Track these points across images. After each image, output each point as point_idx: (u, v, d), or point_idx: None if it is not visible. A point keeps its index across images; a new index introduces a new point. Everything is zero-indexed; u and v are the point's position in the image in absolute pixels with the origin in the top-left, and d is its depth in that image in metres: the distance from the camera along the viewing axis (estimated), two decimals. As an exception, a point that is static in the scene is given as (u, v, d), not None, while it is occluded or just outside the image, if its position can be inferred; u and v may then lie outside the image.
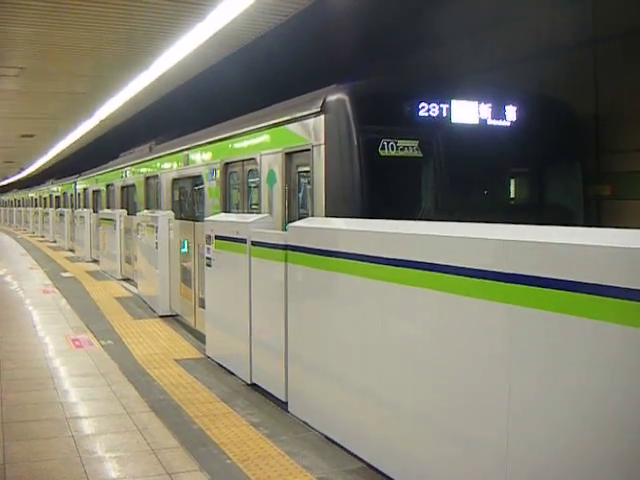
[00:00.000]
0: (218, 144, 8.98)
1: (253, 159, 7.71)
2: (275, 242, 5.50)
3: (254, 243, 5.97)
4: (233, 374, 6.47)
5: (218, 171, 8.81)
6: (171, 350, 7.59)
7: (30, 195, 40.31)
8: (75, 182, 24.46)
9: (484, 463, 3.26)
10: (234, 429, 5.00)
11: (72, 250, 21.79)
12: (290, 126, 6.80)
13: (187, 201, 11.11)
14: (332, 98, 6.10)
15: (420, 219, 5.53)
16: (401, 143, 5.91)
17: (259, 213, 7.31)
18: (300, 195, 6.85)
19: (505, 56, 8.77)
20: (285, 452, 4.53)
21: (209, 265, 7.15)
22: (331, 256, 4.63)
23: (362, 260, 4.24)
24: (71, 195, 25.50)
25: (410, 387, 3.85)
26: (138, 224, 11.65)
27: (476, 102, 6.29)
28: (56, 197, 29.83)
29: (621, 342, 2.54)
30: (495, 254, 3.16)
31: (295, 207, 6.88)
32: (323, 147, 6.12)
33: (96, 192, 20.05)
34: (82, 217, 19.53)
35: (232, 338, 6.59)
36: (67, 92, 12.81)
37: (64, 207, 25.98)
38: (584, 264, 2.70)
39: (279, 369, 5.43)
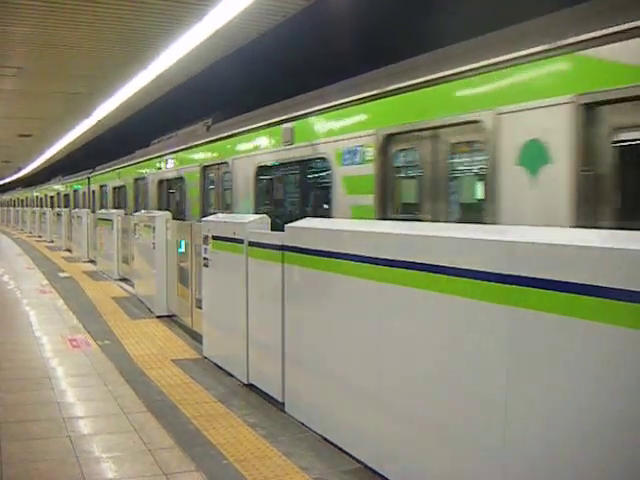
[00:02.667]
0: (369, 104, 5.69)
1: (472, 123, 4.65)
2: (272, 243, 5.50)
3: (251, 243, 5.97)
4: (230, 374, 6.47)
5: (369, 149, 5.49)
6: (168, 350, 7.58)
7: (35, 194, 37.24)
8: (89, 178, 21.02)
9: (481, 465, 3.27)
10: (231, 429, 5.01)
11: (69, 250, 21.75)
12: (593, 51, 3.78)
13: (292, 200, 7.68)
14: None
15: None
16: None
17: (483, 223, 4.43)
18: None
19: None
20: (282, 452, 4.54)
21: (206, 265, 7.15)
22: (328, 257, 4.64)
23: (359, 261, 4.25)
24: (83, 193, 22.34)
25: (407, 388, 3.85)
26: (135, 224, 11.64)
27: None
28: (64, 195, 26.99)
29: (625, 345, 2.55)
30: (495, 255, 3.17)
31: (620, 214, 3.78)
32: None
33: (118, 189, 16.71)
34: (79, 217, 19.48)
35: (229, 338, 6.59)
36: (65, 92, 12.79)
37: (75, 208, 22.96)
38: (586, 266, 2.70)
39: (276, 369, 5.43)
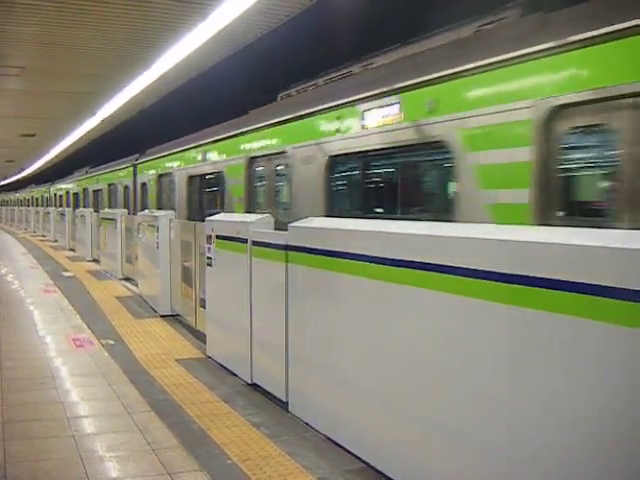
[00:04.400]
0: None
1: None
2: (276, 242, 5.50)
3: (255, 243, 5.97)
4: (234, 374, 6.46)
5: None
6: (172, 350, 7.58)
7: (53, 192, 31.85)
8: (135, 165, 15.05)
9: (485, 465, 3.26)
10: (235, 429, 5.00)
11: (73, 250, 21.80)
12: None
13: None
14: None
15: None
16: None
17: None
18: None
19: None
20: (286, 452, 4.53)
21: (210, 265, 7.15)
22: (331, 256, 4.63)
23: (363, 260, 4.24)
24: (125, 188, 16.42)
25: (411, 388, 3.84)
26: (139, 224, 11.65)
27: None
28: (94, 192, 21.25)
29: (629, 344, 2.53)
30: (498, 255, 3.16)
31: None
32: None
33: (201, 179, 10.77)
34: (83, 216, 19.49)
35: (233, 338, 6.58)
36: (69, 91, 12.78)
37: (113, 208, 17.21)
38: (589, 265, 2.69)
39: (280, 369, 5.43)
